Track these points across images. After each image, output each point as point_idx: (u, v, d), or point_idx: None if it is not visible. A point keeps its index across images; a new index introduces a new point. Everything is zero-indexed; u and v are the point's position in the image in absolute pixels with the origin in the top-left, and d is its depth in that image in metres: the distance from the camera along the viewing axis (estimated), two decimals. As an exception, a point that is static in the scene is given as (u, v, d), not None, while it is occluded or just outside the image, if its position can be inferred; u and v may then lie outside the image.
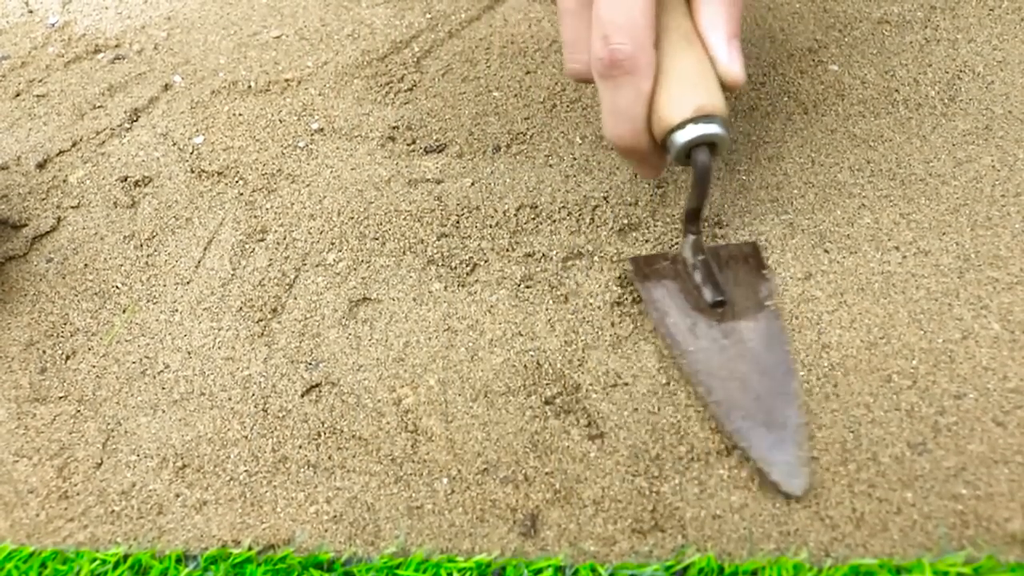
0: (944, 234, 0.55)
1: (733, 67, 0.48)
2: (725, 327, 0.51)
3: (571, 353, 0.52)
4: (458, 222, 0.60)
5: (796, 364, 0.50)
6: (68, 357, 0.55)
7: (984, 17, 0.71)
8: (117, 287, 0.59)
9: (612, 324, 0.53)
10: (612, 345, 0.52)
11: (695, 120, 0.47)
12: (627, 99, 0.47)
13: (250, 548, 0.46)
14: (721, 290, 0.51)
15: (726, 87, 0.49)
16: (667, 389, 0.50)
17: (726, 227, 0.57)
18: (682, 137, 0.47)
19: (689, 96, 0.47)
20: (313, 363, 0.53)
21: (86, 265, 0.61)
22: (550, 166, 0.63)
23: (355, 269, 0.58)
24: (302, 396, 0.52)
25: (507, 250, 0.58)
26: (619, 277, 0.55)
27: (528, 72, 0.71)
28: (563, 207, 0.60)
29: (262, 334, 0.55)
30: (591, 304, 0.54)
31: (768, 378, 0.48)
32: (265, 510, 0.47)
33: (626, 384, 0.50)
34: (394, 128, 0.68)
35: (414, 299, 0.56)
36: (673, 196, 0.60)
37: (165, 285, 0.59)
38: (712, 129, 0.47)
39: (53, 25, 0.85)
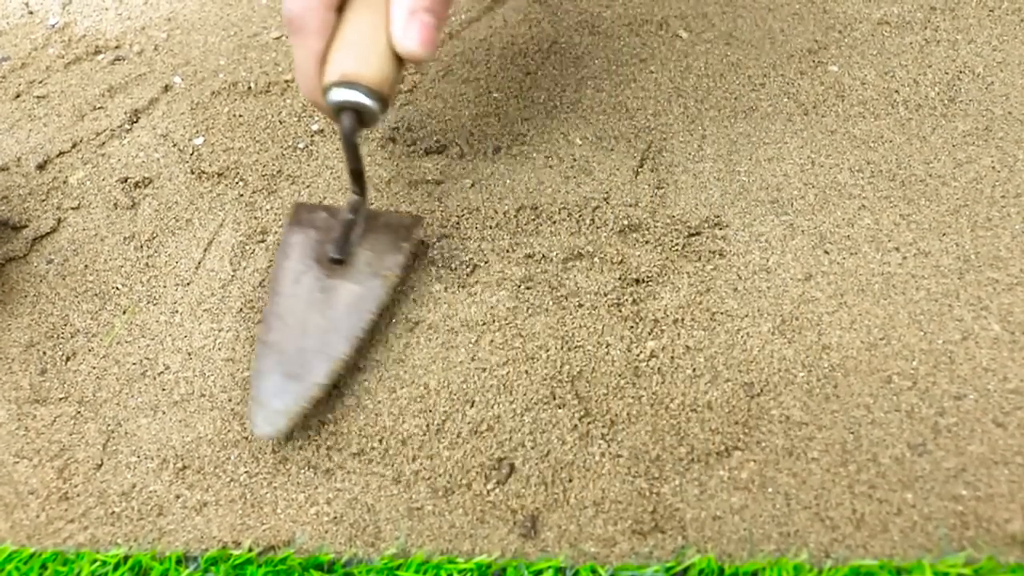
0: (944, 235, 0.55)
1: (405, 40, 0.48)
2: (329, 283, 0.53)
3: (571, 353, 0.52)
4: (458, 223, 0.60)
5: (363, 332, 0.51)
6: (68, 358, 0.55)
7: (984, 18, 0.71)
8: (117, 288, 0.59)
9: (612, 325, 0.53)
10: (612, 345, 0.52)
11: (339, 84, 0.48)
12: (300, 56, 0.50)
13: (250, 549, 0.46)
14: (341, 248, 0.53)
15: (406, 60, 0.50)
16: (667, 390, 0.50)
17: (726, 228, 0.57)
18: (328, 98, 0.49)
19: (340, 61, 0.48)
20: (313, 364, 0.53)
21: (86, 266, 0.61)
22: (550, 167, 0.63)
23: (355, 270, 0.58)
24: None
25: (507, 251, 0.58)
26: (619, 278, 0.55)
27: (528, 73, 0.71)
28: (563, 208, 0.60)
29: (262, 335, 0.55)
30: (591, 304, 0.54)
31: (327, 336, 0.50)
32: (265, 511, 0.47)
33: (626, 384, 0.50)
34: (394, 129, 0.68)
35: (414, 300, 0.56)
36: (673, 197, 0.60)
37: (165, 286, 0.59)
38: (353, 96, 0.48)
39: (53, 26, 0.85)
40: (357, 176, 0.54)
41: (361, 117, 0.50)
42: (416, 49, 0.48)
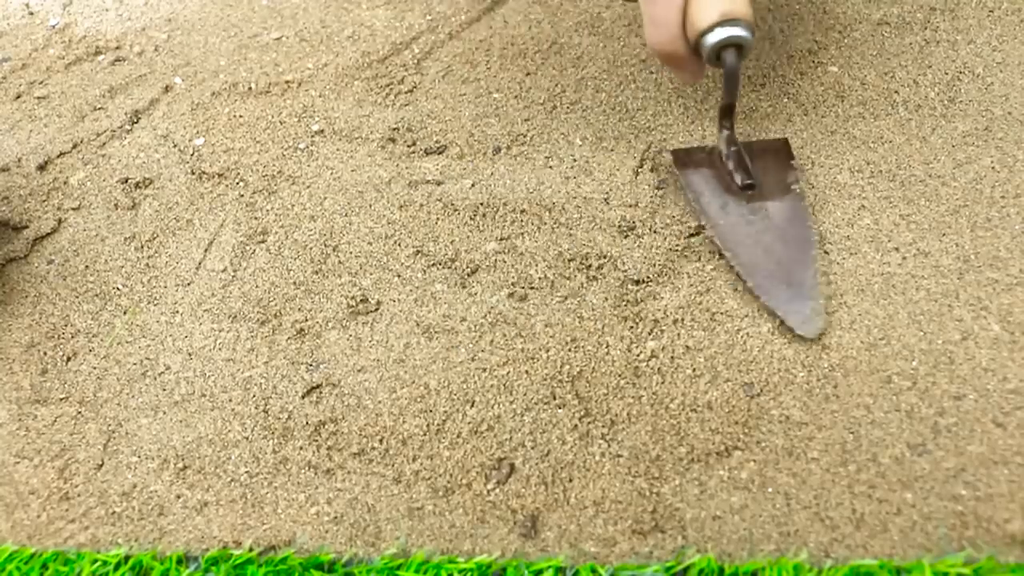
0: (944, 235, 0.55)
1: None
2: (753, 206, 0.57)
3: (571, 354, 0.52)
4: (459, 223, 0.60)
5: (815, 236, 0.55)
6: (69, 358, 0.56)
7: (984, 19, 0.71)
8: (118, 289, 0.59)
9: (612, 325, 0.53)
10: (612, 346, 0.52)
11: (721, 24, 0.51)
12: (662, 8, 0.52)
13: (251, 549, 0.46)
14: (750, 175, 0.58)
15: None
16: (667, 390, 0.50)
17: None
18: (711, 39, 0.52)
19: (716, 2, 0.51)
20: (314, 364, 0.53)
21: (87, 267, 0.61)
22: (550, 167, 0.63)
23: (356, 270, 0.58)
24: (303, 397, 0.52)
25: (507, 251, 0.58)
26: (619, 278, 0.55)
27: (528, 74, 0.71)
28: (563, 208, 0.60)
29: (263, 336, 0.55)
30: (592, 305, 0.54)
31: (789, 247, 0.55)
32: (266, 511, 0.47)
33: (626, 384, 0.50)
34: (394, 129, 0.68)
35: (415, 300, 0.56)
36: (673, 197, 0.60)
37: (166, 287, 0.59)
38: (737, 31, 0.51)
39: (54, 27, 0.85)
40: (730, 111, 0.58)
41: (741, 51, 0.53)
42: None
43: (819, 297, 0.52)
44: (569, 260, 0.57)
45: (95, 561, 0.46)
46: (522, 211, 0.60)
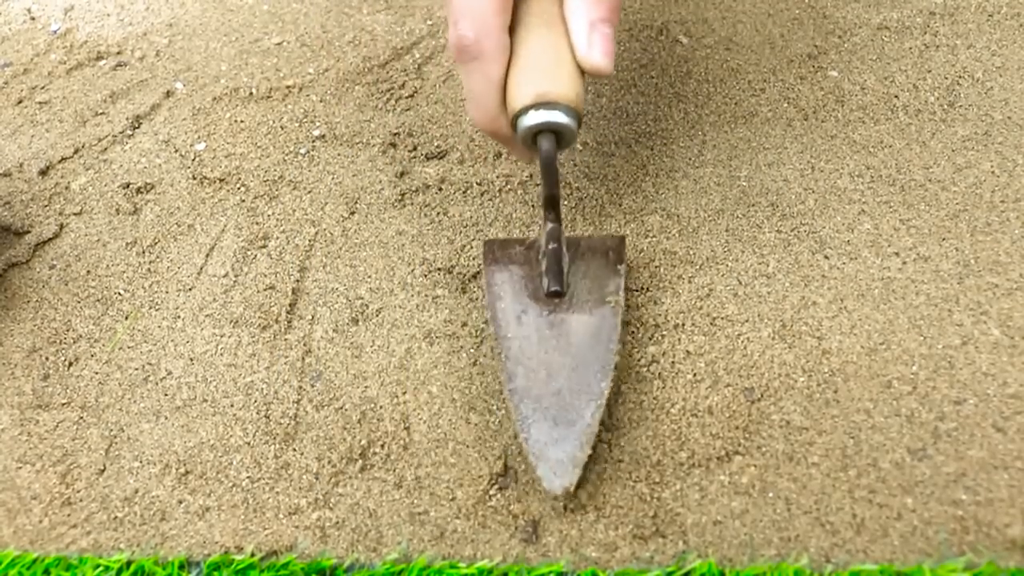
0: (944, 240, 0.55)
1: (592, 55, 0.47)
2: (554, 318, 0.50)
3: (572, 359, 0.52)
4: (459, 228, 0.60)
5: (613, 365, 0.48)
6: (71, 364, 0.56)
7: (983, 23, 0.71)
8: (119, 294, 0.59)
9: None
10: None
11: (536, 106, 0.47)
12: (478, 84, 0.48)
13: (252, 554, 0.46)
14: (560, 281, 0.49)
15: (590, 74, 0.49)
16: (667, 395, 0.50)
17: (726, 233, 0.57)
18: (524, 123, 0.48)
19: (533, 82, 0.47)
20: (315, 370, 0.53)
21: (88, 272, 0.61)
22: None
23: (357, 276, 0.58)
24: (304, 403, 0.52)
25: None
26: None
27: (529, 78, 0.72)
28: (564, 213, 0.60)
29: (264, 340, 0.55)
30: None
31: (578, 374, 0.47)
32: (267, 516, 0.47)
33: (627, 389, 0.50)
34: (395, 135, 0.68)
35: (416, 306, 0.56)
36: (673, 202, 0.60)
37: (167, 292, 0.59)
38: (553, 117, 0.47)
39: (55, 32, 0.85)
40: (555, 202, 0.51)
41: (560, 138, 0.49)
42: (602, 62, 0.47)
43: (587, 445, 0.45)
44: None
45: (97, 566, 0.46)
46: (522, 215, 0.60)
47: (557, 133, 0.48)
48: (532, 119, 0.47)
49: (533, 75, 0.47)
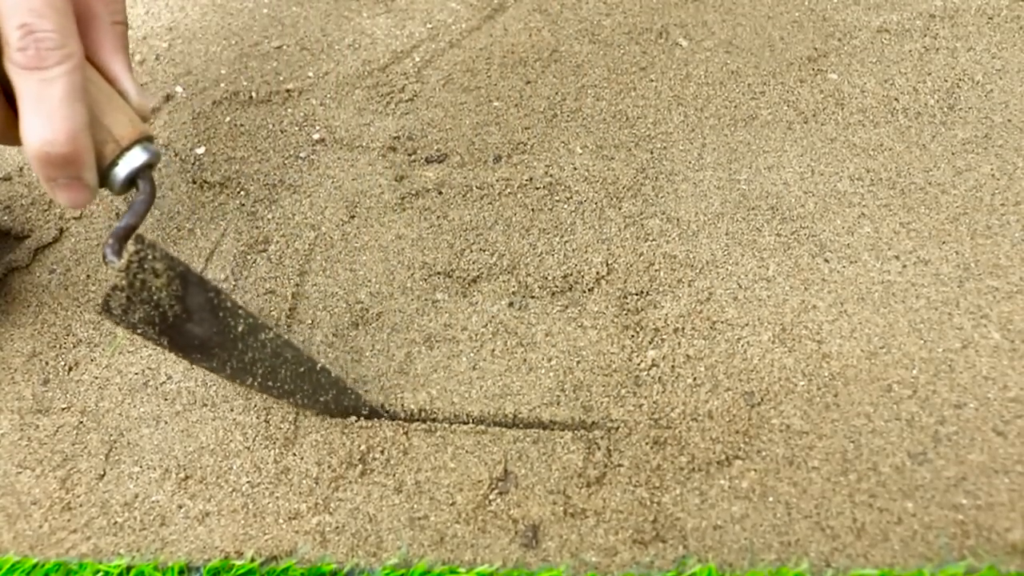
0: (944, 243, 0.55)
1: (147, 101, 0.47)
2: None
3: (572, 363, 0.52)
4: (458, 232, 0.60)
5: None
6: (71, 368, 0.56)
7: (983, 25, 0.71)
8: (119, 298, 0.59)
9: (613, 334, 0.53)
10: (613, 355, 0.52)
11: (141, 142, 0.46)
12: (64, 93, 0.40)
13: (252, 560, 0.46)
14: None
15: (143, 118, 0.47)
16: (668, 399, 0.50)
17: (726, 236, 0.57)
18: (135, 160, 0.45)
19: (131, 116, 0.46)
20: (315, 374, 0.53)
21: (88, 276, 0.61)
22: (550, 176, 0.63)
23: (357, 280, 0.58)
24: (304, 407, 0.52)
25: (507, 260, 0.58)
26: (619, 287, 0.55)
27: (528, 82, 0.72)
28: (564, 217, 0.60)
29: (264, 345, 0.55)
30: (592, 314, 0.54)
31: None
32: (267, 521, 0.47)
33: (627, 394, 0.50)
34: (395, 138, 0.68)
35: (416, 310, 0.56)
36: (673, 206, 0.60)
37: (167, 296, 0.59)
38: (151, 152, 0.46)
39: (55, 36, 0.85)
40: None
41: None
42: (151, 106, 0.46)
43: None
44: (570, 269, 0.57)
45: (97, 571, 0.46)
46: (522, 219, 0.60)
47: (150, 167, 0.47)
48: (137, 158, 0.45)
49: (125, 109, 0.46)
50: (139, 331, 0.44)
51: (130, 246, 0.43)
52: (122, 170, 0.46)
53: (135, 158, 0.45)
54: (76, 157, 0.42)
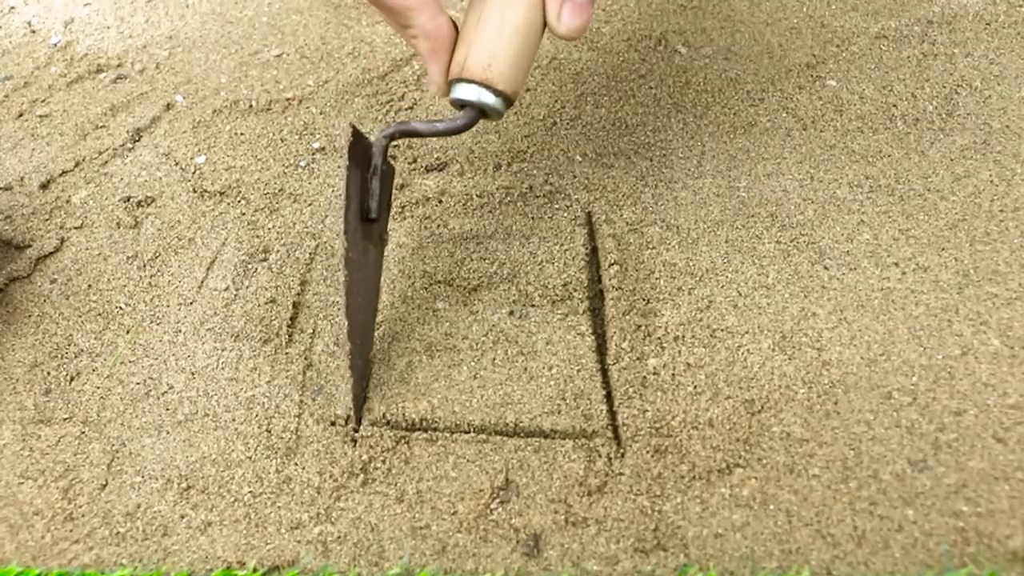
0: (943, 250, 0.55)
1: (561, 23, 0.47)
2: (364, 245, 0.52)
3: (573, 371, 0.52)
4: (459, 240, 0.60)
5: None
6: (72, 378, 0.56)
7: (981, 32, 0.71)
8: (121, 308, 0.59)
9: (615, 342, 0.53)
10: (614, 363, 0.52)
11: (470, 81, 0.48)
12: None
13: (255, 569, 0.46)
14: (379, 207, 0.52)
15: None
16: (668, 407, 0.50)
17: (726, 244, 0.58)
18: (483, 97, 0.48)
19: (484, 55, 0.47)
20: (316, 383, 0.53)
21: (89, 286, 0.61)
22: (550, 184, 0.63)
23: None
24: (305, 416, 0.52)
25: (508, 268, 0.58)
26: (619, 295, 0.55)
27: (528, 90, 0.72)
28: (564, 224, 0.60)
29: (265, 354, 0.55)
30: (592, 321, 0.54)
31: (366, 312, 0.53)
32: (269, 531, 0.47)
33: (627, 402, 0.50)
34: (395, 147, 0.68)
35: (417, 319, 0.56)
36: (673, 213, 0.60)
37: (168, 306, 0.59)
38: (486, 98, 0.48)
39: (55, 45, 0.86)
40: (416, 136, 0.52)
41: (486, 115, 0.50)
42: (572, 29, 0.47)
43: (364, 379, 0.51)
44: (570, 278, 0.57)
45: (99, 582, 0.46)
46: (522, 226, 0.60)
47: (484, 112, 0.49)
48: (463, 93, 0.48)
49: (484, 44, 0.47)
50: (349, 182, 0.49)
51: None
52: (463, 93, 0.48)
53: (484, 96, 0.48)
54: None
